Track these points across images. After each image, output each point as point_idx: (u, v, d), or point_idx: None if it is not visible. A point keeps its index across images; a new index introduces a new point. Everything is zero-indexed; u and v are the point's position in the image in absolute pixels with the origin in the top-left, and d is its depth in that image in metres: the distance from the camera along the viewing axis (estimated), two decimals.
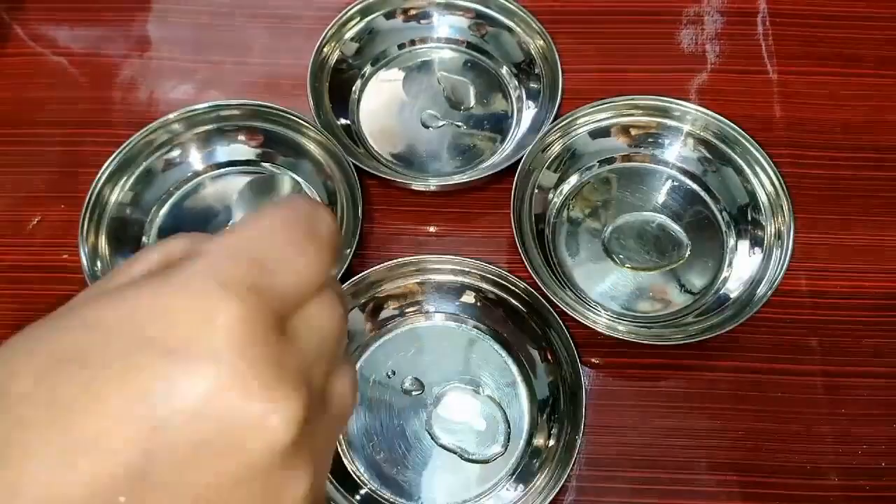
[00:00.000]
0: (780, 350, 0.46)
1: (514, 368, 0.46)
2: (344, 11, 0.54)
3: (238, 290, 0.19)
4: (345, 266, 0.45)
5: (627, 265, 0.48)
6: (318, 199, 0.50)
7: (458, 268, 0.46)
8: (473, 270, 0.46)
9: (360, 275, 0.45)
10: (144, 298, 0.19)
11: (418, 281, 0.47)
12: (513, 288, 0.45)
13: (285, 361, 0.19)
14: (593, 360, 0.46)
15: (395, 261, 0.46)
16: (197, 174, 0.51)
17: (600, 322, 0.44)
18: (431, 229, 0.51)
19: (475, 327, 0.47)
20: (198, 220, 0.50)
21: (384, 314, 0.47)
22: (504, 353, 0.46)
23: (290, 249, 0.21)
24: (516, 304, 0.46)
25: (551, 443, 0.43)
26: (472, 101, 0.54)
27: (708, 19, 0.57)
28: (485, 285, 0.46)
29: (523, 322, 0.46)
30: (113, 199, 0.48)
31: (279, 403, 0.18)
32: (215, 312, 0.18)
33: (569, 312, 0.44)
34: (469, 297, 0.47)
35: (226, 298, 0.18)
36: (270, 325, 0.19)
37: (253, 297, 0.19)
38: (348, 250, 0.46)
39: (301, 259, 0.21)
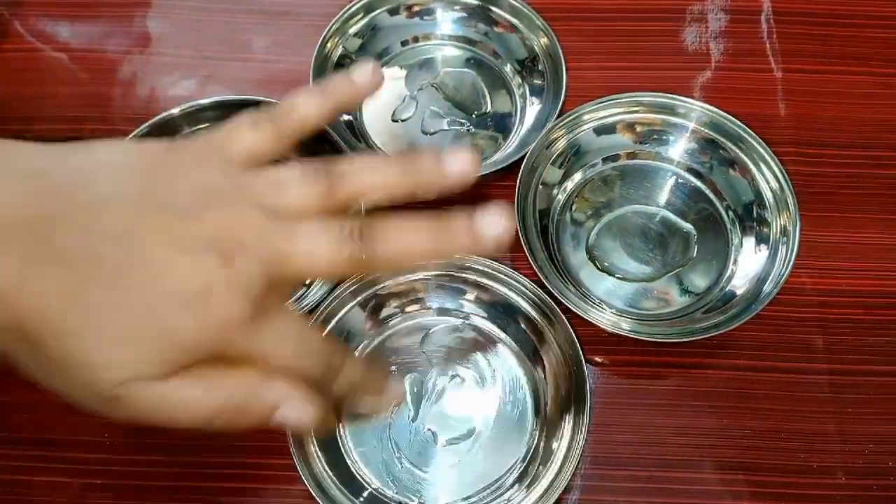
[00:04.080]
0: (786, 348, 0.46)
1: (519, 367, 0.45)
2: (347, 7, 0.53)
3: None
4: None
5: (617, 275, 0.48)
6: None
7: (462, 264, 0.46)
8: (477, 267, 0.46)
9: None
10: None
11: (420, 277, 0.46)
12: (517, 285, 0.45)
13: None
14: (597, 358, 0.46)
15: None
16: None
17: (605, 319, 0.44)
18: None
19: (478, 325, 0.46)
20: None
21: (385, 312, 0.46)
22: (508, 351, 0.46)
23: None
24: (520, 301, 0.45)
25: (555, 442, 0.42)
26: (484, 104, 0.54)
27: (712, 17, 0.57)
28: (488, 282, 0.46)
29: (527, 319, 0.45)
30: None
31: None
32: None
33: (573, 309, 0.43)
34: (472, 295, 0.46)
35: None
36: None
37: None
38: None
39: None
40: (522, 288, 0.45)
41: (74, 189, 0.27)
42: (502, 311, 0.46)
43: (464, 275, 0.46)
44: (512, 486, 0.42)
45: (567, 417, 0.42)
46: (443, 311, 0.47)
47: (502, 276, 0.45)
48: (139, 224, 0.27)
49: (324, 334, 0.41)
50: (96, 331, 0.26)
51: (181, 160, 0.29)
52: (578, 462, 0.40)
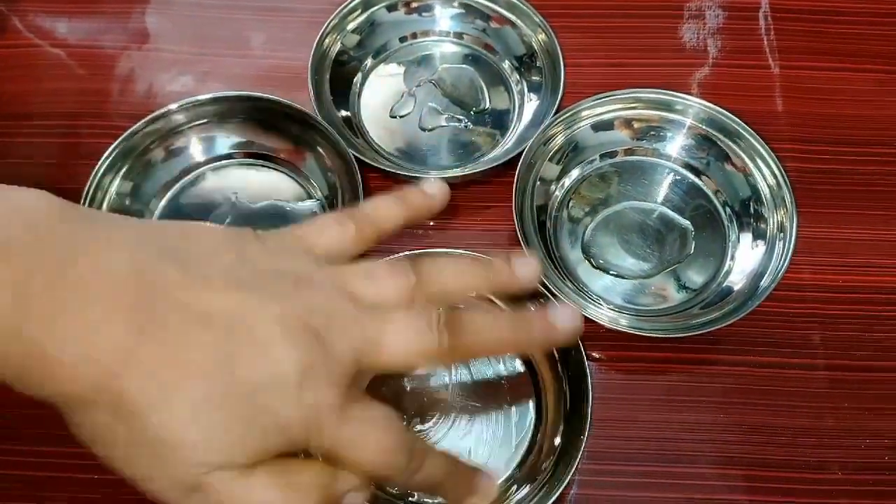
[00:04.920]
0: (784, 344, 0.46)
1: (520, 364, 0.45)
2: (346, 3, 0.53)
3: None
4: None
5: (611, 272, 0.48)
6: (318, 191, 0.50)
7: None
8: None
9: None
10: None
11: None
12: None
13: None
14: (595, 353, 0.46)
15: (401, 254, 0.45)
16: (198, 165, 0.51)
17: (602, 316, 0.44)
18: (432, 222, 0.50)
19: None
20: (198, 212, 0.49)
21: None
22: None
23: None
24: (521, 298, 0.45)
25: (557, 439, 0.42)
26: (482, 100, 0.54)
27: (709, 14, 0.57)
28: None
29: None
30: (112, 189, 0.48)
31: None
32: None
33: (571, 305, 0.43)
34: (473, 292, 0.46)
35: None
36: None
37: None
38: None
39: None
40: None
41: (173, 265, 0.26)
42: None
43: None
44: (514, 481, 0.42)
45: (569, 414, 0.42)
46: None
47: None
48: (238, 303, 0.26)
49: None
50: (194, 410, 0.25)
51: (270, 245, 0.29)
52: (581, 457, 0.40)
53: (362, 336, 0.27)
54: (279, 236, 0.31)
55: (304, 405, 0.26)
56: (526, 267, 0.33)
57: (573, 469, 0.40)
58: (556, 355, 0.44)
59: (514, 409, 0.44)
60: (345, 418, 0.27)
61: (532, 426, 0.44)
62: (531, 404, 0.44)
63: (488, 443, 0.43)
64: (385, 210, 0.33)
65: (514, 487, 0.42)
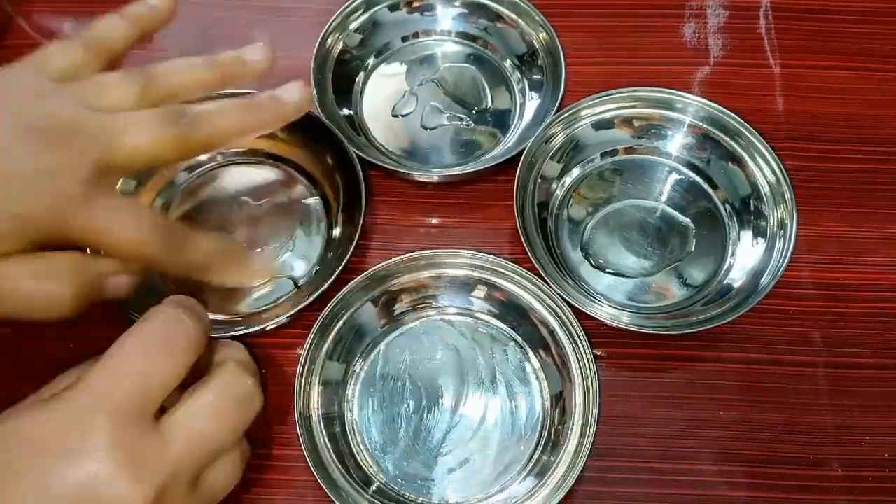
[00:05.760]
0: (784, 341, 0.46)
1: (528, 363, 0.45)
2: (348, 3, 0.54)
3: (106, 408, 0.27)
4: (346, 258, 0.45)
5: (608, 270, 0.48)
6: (320, 188, 0.50)
7: (473, 262, 0.46)
8: (486, 265, 0.46)
9: (373, 268, 0.45)
10: (44, 416, 0.28)
11: (432, 275, 0.46)
12: (523, 281, 0.45)
13: (147, 455, 0.27)
14: (598, 351, 0.46)
15: (411, 254, 0.45)
16: (200, 164, 0.51)
17: (603, 313, 0.44)
18: (434, 220, 0.51)
19: (488, 322, 0.46)
20: (201, 210, 0.50)
21: (397, 308, 0.46)
22: (517, 348, 0.46)
23: (150, 361, 0.29)
24: (527, 297, 0.45)
25: (565, 436, 0.42)
26: (483, 99, 0.54)
27: (710, 13, 0.58)
28: (496, 279, 0.46)
29: (535, 315, 0.45)
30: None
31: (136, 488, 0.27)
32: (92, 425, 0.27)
33: (572, 302, 0.44)
34: (482, 292, 0.47)
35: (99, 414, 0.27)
36: (135, 427, 0.28)
37: (120, 409, 0.27)
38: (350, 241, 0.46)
39: (159, 366, 0.29)
40: (529, 284, 0.45)
41: None
42: (511, 308, 0.46)
43: (475, 273, 0.46)
44: (523, 480, 0.42)
45: (575, 412, 0.43)
46: (453, 309, 0.47)
47: (509, 274, 0.45)
48: None
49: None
50: None
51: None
52: (589, 455, 0.40)
53: (101, 131, 0.30)
54: (10, 71, 0.33)
55: (45, 195, 0.29)
56: (253, 49, 0.36)
57: (580, 466, 0.40)
58: (561, 353, 0.44)
59: (521, 406, 0.44)
60: (92, 207, 0.30)
61: (539, 424, 0.44)
62: (538, 402, 0.44)
63: (497, 440, 0.43)
64: (108, 27, 0.36)
65: (524, 485, 0.42)
